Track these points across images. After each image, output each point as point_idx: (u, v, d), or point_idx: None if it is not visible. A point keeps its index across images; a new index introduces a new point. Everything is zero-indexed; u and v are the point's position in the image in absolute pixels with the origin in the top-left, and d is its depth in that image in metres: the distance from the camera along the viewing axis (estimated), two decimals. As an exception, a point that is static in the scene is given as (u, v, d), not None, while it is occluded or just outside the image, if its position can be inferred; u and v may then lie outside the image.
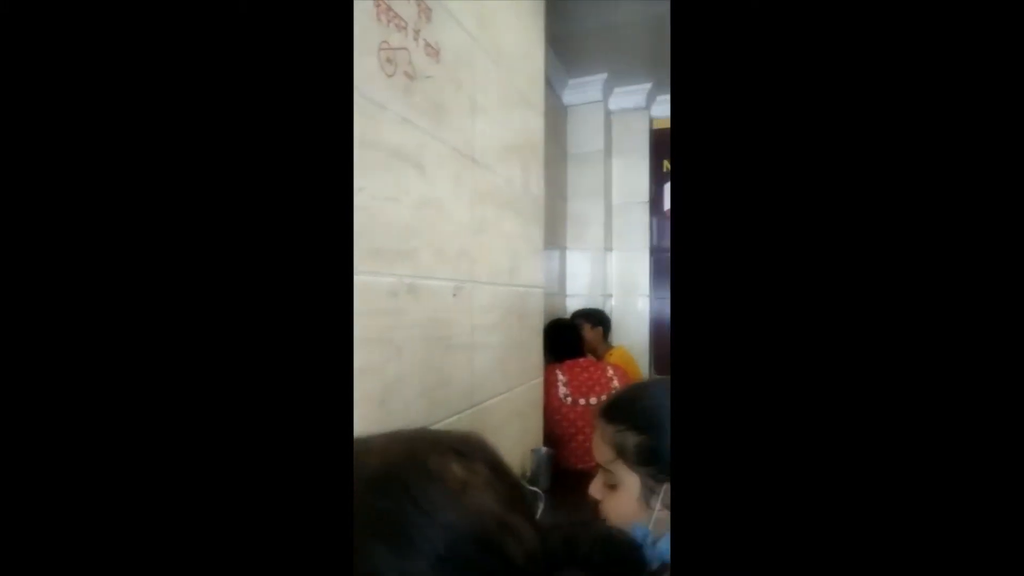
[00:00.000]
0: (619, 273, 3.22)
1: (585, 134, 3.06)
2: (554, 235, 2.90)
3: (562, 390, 1.91)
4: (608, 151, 3.13)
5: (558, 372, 1.96)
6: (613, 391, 1.75)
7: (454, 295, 1.23)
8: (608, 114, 3.12)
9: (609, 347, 2.65)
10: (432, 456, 0.39)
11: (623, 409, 0.68)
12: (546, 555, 0.37)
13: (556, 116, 2.92)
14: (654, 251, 3.25)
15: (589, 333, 2.47)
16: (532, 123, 1.78)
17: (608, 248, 3.17)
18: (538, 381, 1.84)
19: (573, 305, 2.94)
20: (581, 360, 2.02)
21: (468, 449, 0.40)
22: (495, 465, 0.40)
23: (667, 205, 3.24)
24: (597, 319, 2.57)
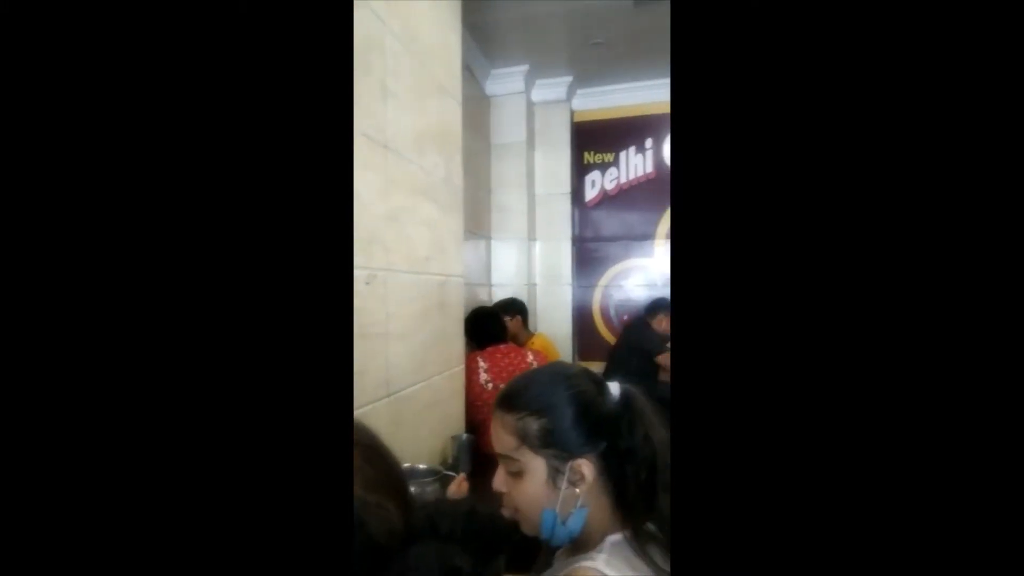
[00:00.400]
0: (543, 263, 3.29)
1: (508, 125, 3.09)
2: (479, 225, 2.91)
3: (483, 376, 1.94)
4: (531, 142, 3.17)
5: (479, 359, 1.98)
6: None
7: (367, 283, 1.22)
8: (530, 105, 3.16)
9: (530, 334, 2.71)
10: None
11: (521, 397, 0.69)
12: (410, 532, 0.39)
13: (479, 106, 2.93)
14: (576, 241, 3.34)
15: (509, 323, 2.51)
16: (450, 112, 1.78)
17: (532, 238, 3.22)
18: (459, 369, 1.85)
19: (499, 295, 2.97)
20: (502, 347, 2.05)
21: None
22: (369, 449, 0.41)
23: (588, 196, 3.33)
24: (515, 308, 2.62)
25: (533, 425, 0.66)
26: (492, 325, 2.13)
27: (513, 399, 0.68)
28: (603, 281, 3.35)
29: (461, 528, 0.38)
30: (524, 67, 2.95)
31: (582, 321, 3.37)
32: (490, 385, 1.94)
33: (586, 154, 3.33)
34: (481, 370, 1.96)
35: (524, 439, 0.66)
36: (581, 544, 0.68)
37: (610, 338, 3.27)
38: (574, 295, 3.34)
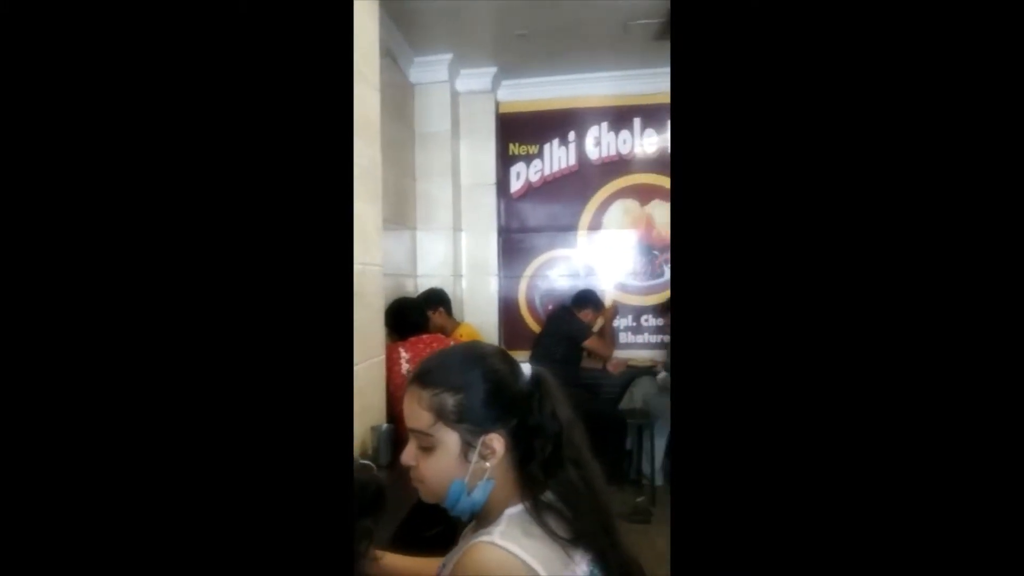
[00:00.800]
0: (469, 253, 3.30)
1: (432, 114, 3.06)
2: (404, 215, 2.87)
3: (404, 367, 1.93)
4: (456, 132, 3.16)
5: (401, 350, 1.97)
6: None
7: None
8: (455, 95, 3.15)
9: (456, 324, 2.72)
10: None
11: (438, 373, 0.71)
12: None
13: (403, 94, 2.88)
14: (502, 232, 3.37)
15: (433, 314, 2.50)
16: (367, 98, 1.75)
17: (458, 229, 3.22)
18: (379, 360, 1.83)
19: (424, 285, 2.95)
20: (424, 337, 2.05)
21: None
22: None
23: (513, 187, 3.37)
24: (437, 300, 2.61)
25: (449, 401, 0.68)
26: (414, 315, 2.12)
27: (430, 375, 0.70)
28: (528, 272, 3.40)
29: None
30: (448, 56, 2.93)
31: (508, 311, 3.41)
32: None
33: (511, 145, 3.36)
34: (403, 360, 1.95)
35: (440, 414, 0.68)
36: (482, 518, 0.71)
37: (536, 327, 3.33)
38: (500, 285, 3.37)
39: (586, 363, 3.04)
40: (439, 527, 0.80)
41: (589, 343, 2.92)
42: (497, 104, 3.31)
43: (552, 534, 0.65)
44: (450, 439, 0.69)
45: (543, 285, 3.39)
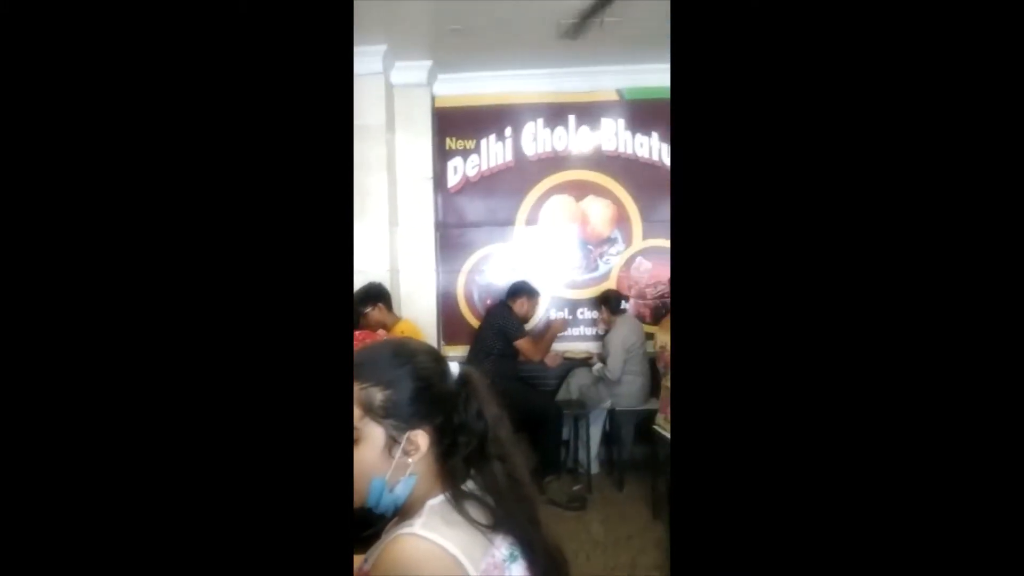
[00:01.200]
0: (406, 248, 3.26)
1: (366, 106, 2.99)
2: (336, 209, 2.81)
3: (338, 364, 1.89)
4: (391, 125, 3.12)
5: (334, 347, 1.94)
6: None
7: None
8: (390, 87, 3.10)
9: (396, 320, 2.69)
10: None
11: (367, 368, 0.71)
12: None
13: (334, 84, 2.81)
14: (439, 227, 3.36)
15: (371, 311, 2.46)
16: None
17: (395, 223, 3.18)
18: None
19: (360, 280, 2.89)
20: (357, 333, 2.02)
21: None
22: None
23: (451, 182, 3.36)
24: (376, 296, 2.56)
25: (377, 396, 0.69)
26: (348, 311, 2.09)
27: (359, 369, 0.70)
28: (467, 266, 3.41)
29: None
30: (382, 47, 2.88)
31: (447, 306, 3.41)
32: (346, 372, 1.90)
33: (448, 140, 3.34)
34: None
35: (367, 408, 0.69)
36: (405, 512, 0.72)
37: (475, 322, 3.35)
38: (439, 281, 3.36)
39: (524, 358, 3.09)
40: (373, 528, 0.81)
41: (520, 343, 2.96)
42: (433, 98, 3.29)
43: (472, 521, 0.67)
44: (375, 433, 0.69)
45: (481, 280, 3.41)
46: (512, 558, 0.69)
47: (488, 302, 3.34)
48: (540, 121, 3.32)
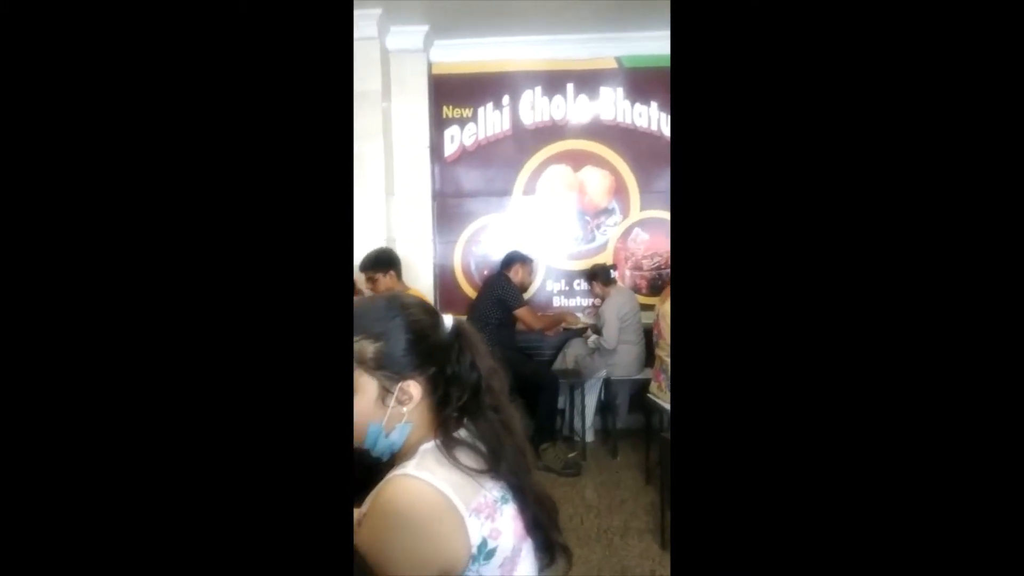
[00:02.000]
0: (403, 218, 3.25)
1: (361, 72, 2.94)
2: (332, 177, 2.78)
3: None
4: (387, 92, 3.07)
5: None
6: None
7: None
8: (385, 53, 3.05)
9: (405, 288, 2.69)
10: None
11: (359, 321, 0.73)
12: None
13: (329, 49, 2.76)
14: (436, 196, 3.34)
15: (382, 279, 2.45)
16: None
17: (391, 192, 3.16)
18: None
19: (358, 250, 2.88)
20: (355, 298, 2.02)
21: None
22: None
23: (448, 151, 3.33)
24: (387, 263, 2.53)
25: (369, 348, 0.71)
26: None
27: (353, 324, 0.71)
28: (464, 237, 3.40)
29: None
30: (377, 10, 2.83)
31: (444, 277, 3.41)
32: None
33: (445, 108, 3.30)
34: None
35: (360, 361, 0.71)
36: (400, 457, 0.74)
37: (472, 293, 3.35)
38: (435, 251, 3.36)
39: (521, 327, 3.11)
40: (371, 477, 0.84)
41: (520, 312, 2.98)
42: (430, 64, 3.23)
43: (462, 466, 0.69)
44: (369, 384, 0.71)
45: (478, 250, 3.41)
46: (504, 500, 0.71)
47: (485, 272, 3.34)
48: (538, 89, 3.28)
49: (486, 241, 3.39)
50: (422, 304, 0.79)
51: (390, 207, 3.14)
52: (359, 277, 2.46)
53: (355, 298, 2.34)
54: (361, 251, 2.76)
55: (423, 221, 3.28)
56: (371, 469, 0.81)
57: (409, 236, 3.26)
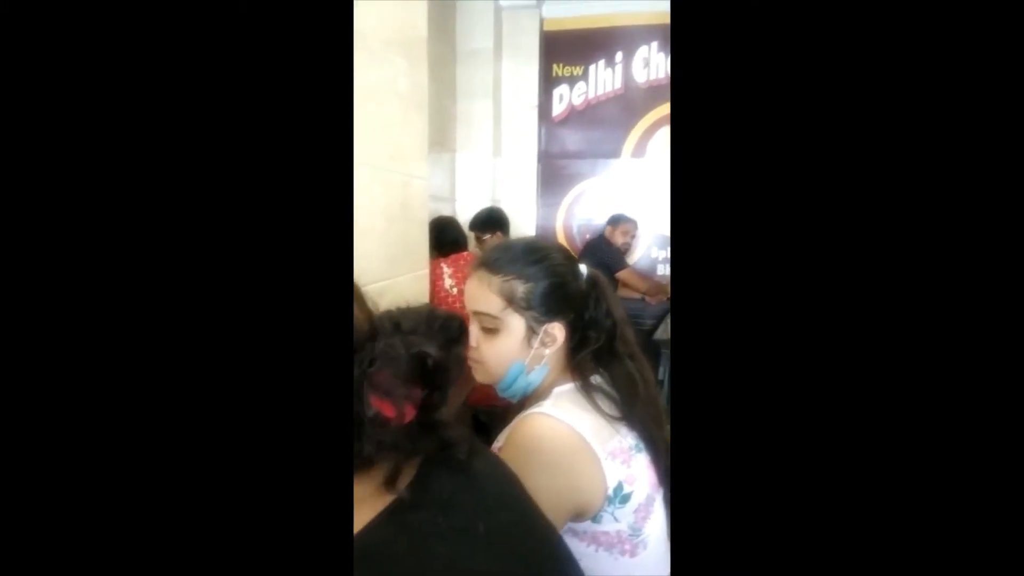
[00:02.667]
0: (508, 179, 3.25)
1: (475, 30, 2.94)
2: (443, 137, 2.84)
3: (447, 282, 1.96)
4: (498, 51, 3.05)
5: (443, 265, 2.00)
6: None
7: (328, 171, 1.19)
8: (498, 10, 3.01)
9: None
10: None
11: (510, 261, 0.74)
12: (375, 329, 0.41)
13: (445, 8, 2.77)
14: (542, 157, 3.30)
15: (490, 239, 2.48)
16: (414, 13, 1.68)
17: (498, 153, 3.17)
18: (424, 273, 1.86)
19: (462, 210, 2.94)
20: (464, 254, 2.07)
21: None
22: None
23: (556, 111, 3.26)
24: (496, 222, 2.53)
25: (519, 288, 0.72)
26: (453, 232, 2.14)
27: (499, 263, 0.74)
28: (568, 199, 3.35)
29: (424, 324, 0.41)
30: (492, -34, 2.79)
31: (545, 239, 3.40)
32: (455, 290, 1.97)
33: (555, 66, 3.23)
34: (445, 275, 1.98)
35: (510, 299, 0.72)
36: (532, 398, 0.74)
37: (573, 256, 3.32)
38: (538, 213, 3.34)
39: (623, 293, 3.04)
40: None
41: (623, 274, 2.90)
42: (542, 21, 3.16)
43: (599, 409, 0.68)
44: (517, 324, 0.72)
45: (582, 213, 3.35)
46: (637, 448, 0.69)
47: (587, 236, 3.29)
48: (654, 45, 3.10)
49: (590, 204, 3.32)
50: (562, 249, 0.80)
51: (496, 167, 3.16)
52: (468, 235, 2.51)
53: (492, 242, 2.36)
54: (468, 212, 2.82)
55: (527, 182, 3.26)
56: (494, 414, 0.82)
57: (513, 197, 3.27)
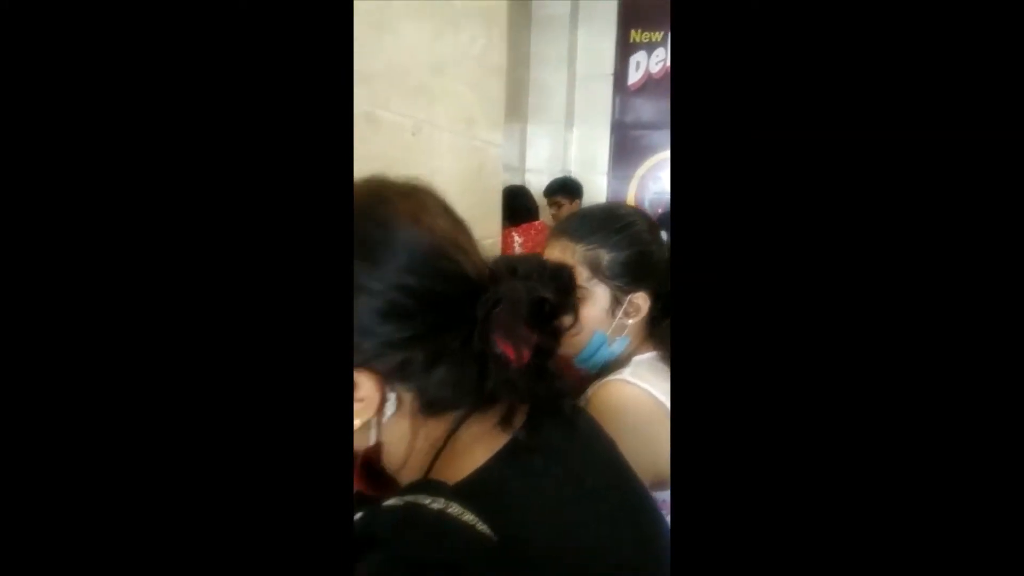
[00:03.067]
0: (580, 149, 3.20)
1: (551, -5, 2.89)
2: (515, 106, 2.82)
3: (518, 250, 1.98)
4: (575, 16, 2.98)
5: (514, 234, 2.02)
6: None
7: (413, 134, 1.21)
8: (577, -27, 2.93)
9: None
10: (389, 189, 0.42)
11: (594, 229, 0.73)
12: (493, 273, 0.42)
13: (521, -28, 2.73)
14: (615, 127, 3.22)
15: (569, 205, 2.48)
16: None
17: (570, 123, 3.12)
18: (496, 240, 1.89)
19: (532, 180, 2.94)
20: (536, 223, 2.08)
21: (418, 190, 0.43)
22: (437, 204, 0.44)
23: (631, 80, 3.16)
24: (572, 190, 2.54)
25: (604, 257, 0.71)
26: (524, 200, 2.15)
27: (581, 231, 0.73)
28: (640, 171, 3.27)
29: (537, 271, 0.42)
30: (572, -73, 2.71)
31: (625, 204, 3.34)
32: (524, 259, 1.99)
33: (633, 32, 3.11)
34: (516, 244, 2.00)
35: (595, 269, 0.71)
36: (610, 368, 0.74)
37: (642, 230, 3.25)
38: (609, 185, 3.28)
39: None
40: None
41: None
42: (621, -16, 3.05)
43: None
44: (602, 293, 0.71)
45: (655, 187, 3.25)
46: None
47: (659, 211, 3.20)
48: (740, 7, 2.93)
49: (664, 177, 3.22)
50: (645, 217, 0.77)
51: (568, 137, 3.11)
52: (542, 202, 2.50)
53: (568, 210, 2.36)
54: (540, 181, 2.81)
55: (599, 153, 3.20)
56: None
57: (584, 168, 3.22)
